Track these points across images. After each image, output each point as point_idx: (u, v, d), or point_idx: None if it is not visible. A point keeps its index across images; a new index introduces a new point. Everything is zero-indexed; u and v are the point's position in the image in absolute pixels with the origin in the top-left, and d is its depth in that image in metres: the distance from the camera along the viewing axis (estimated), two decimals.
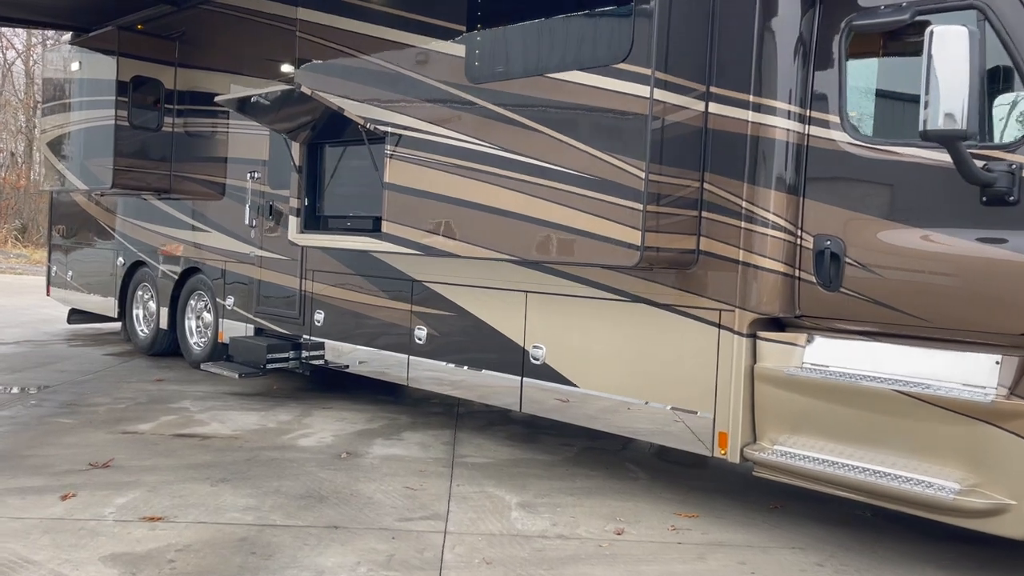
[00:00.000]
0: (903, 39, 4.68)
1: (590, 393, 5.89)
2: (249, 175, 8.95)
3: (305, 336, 8.24)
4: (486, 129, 5.90)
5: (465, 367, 6.75)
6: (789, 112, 4.98)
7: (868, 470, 4.61)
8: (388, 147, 6.62)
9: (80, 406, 7.78)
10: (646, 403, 5.56)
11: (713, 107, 5.21)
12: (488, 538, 4.83)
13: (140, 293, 11.01)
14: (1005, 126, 4.45)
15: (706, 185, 5.25)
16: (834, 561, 4.71)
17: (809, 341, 4.99)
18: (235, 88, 8.89)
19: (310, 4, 7.40)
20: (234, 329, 9.16)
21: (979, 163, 4.24)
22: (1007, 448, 4.20)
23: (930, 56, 4.06)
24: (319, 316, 8.09)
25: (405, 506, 5.32)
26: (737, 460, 5.10)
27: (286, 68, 8.29)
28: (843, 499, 4.85)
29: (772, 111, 5.01)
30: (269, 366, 8.17)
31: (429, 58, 6.36)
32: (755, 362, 5.10)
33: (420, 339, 7.09)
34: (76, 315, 12.36)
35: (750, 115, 5.07)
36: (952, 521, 4.39)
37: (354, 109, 6.79)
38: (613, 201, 5.13)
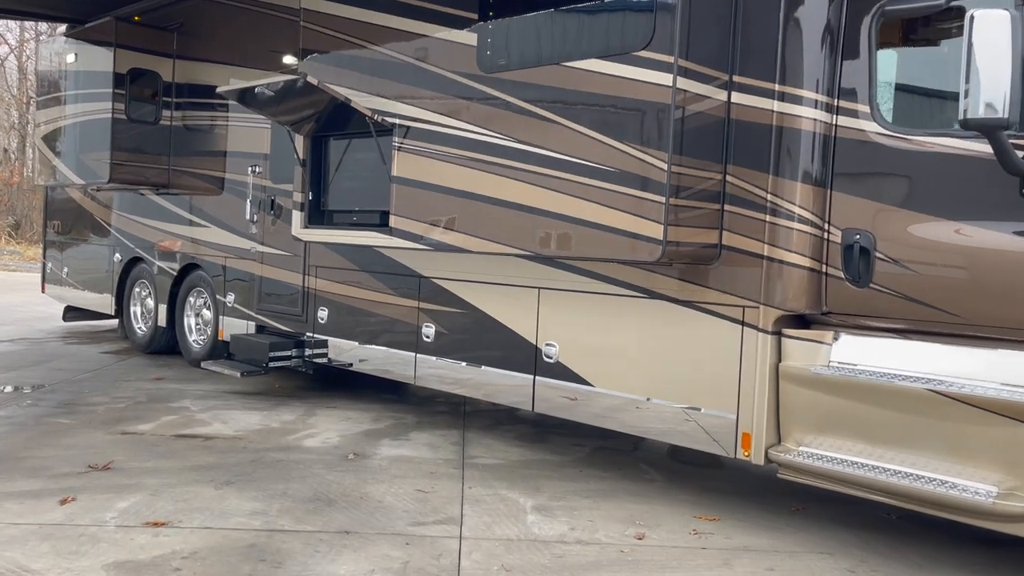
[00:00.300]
0: (938, 24, 4.50)
1: (605, 392, 5.71)
2: (250, 169, 8.75)
3: (308, 334, 8.05)
4: (499, 120, 5.72)
5: (474, 365, 6.57)
6: (816, 101, 4.81)
7: (900, 472, 4.45)
8: (396, 139, 6.43)
9: (78, 406, 7.58)
10: (664, 403, 5.38)
11: (736, 96, 5.03)
12: (506, 543, 4.66)
13: (137, 290, 10.81)
14: None
15: (729, 177, 5.07)
16: (865, 567, 4.55)
17: (835, 339, 4.82)
18: (235, 80, 8.68)
19: None
20: (235, 327, 8.97)
21: (1020, 153, 4.06)
22: None
23: (970, 42, 3.89)
24: (323, 313, 7.90)
25: (417, 510, 5.14)
26: (761, 462, 4.92)
27: (288, 59, 8.09)
28: (866, 501, 4.68)
29: (798, 100, 4.83)
30: (272, 364, 7.98)
31: (439, 47, 6.17)
32: (780, 360, 4.93)
33: (428, 337, 6.90)
34: (72, 312, 12.15)
35: (775, 104, 4.89)
36: (990, 525, 4.23)
37: (361, 100, 6.60)
38: (633, 194, 4.96)
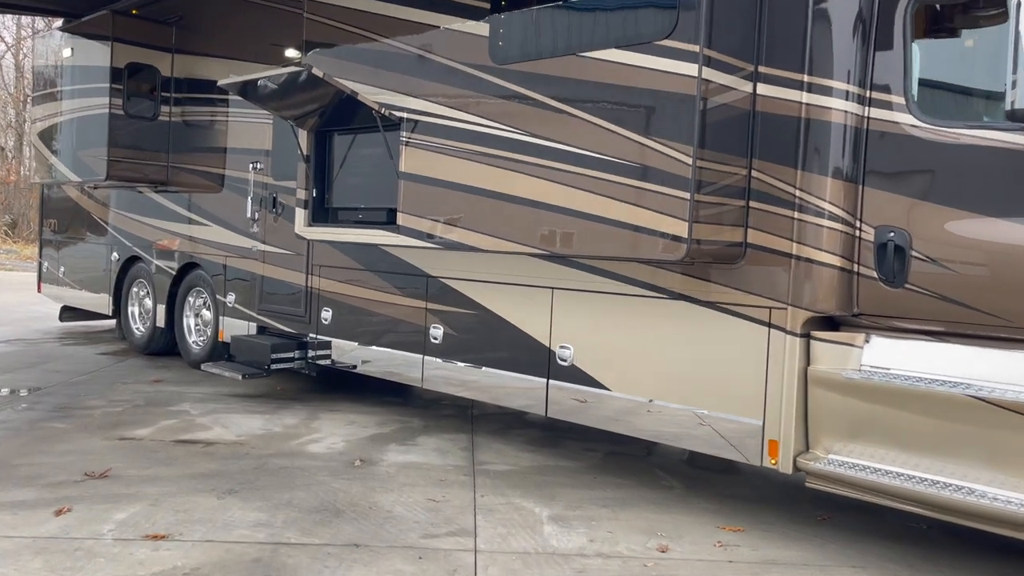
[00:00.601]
0: (980, 11, 4.27)
1: (622, 397, 5.49)
2: (251, 166, 8.52)
3: (311, 335, 7.82)
4: (512, 113, 5.49)
5: (484, 368, 6.35)
6: (847, 92, 4.58)
7: (939, 483, 4.23)
8: (404, 134, 6.20)
9: (74, 409, 7.35)
10: (685, 408, 5.16)
11: (762, 88, 4.81)
12: (523, 557, 4.43)
13: (135, 290, 10.57)
14: None
15: (754, 173, 4.85)
16: None
17: (866, 341, 4.60)
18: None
19: None
20: (235, 327, 8.74)
21: None
22: None
23: (1018, 30, 3.68)
24: (326, 314, 7.67)
25: (429, 520, 4.92)
26: (789, 471, 4.71)
27: (291, 53, 7.87)
28: (891, 509, 4.46)
29: (828, 91, 4.61)
30: (274, 366, 7.75)
31: (450, 38, 5.93)
32: (808, 364, 4.71)
33: (436, 338, 6.68)
34: (68, 312, 11.92)
35: (804, 96, 4.67)
36: None
37: (368, 93, 6.37)
38: (656, 189, 4.74)
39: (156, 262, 9.96)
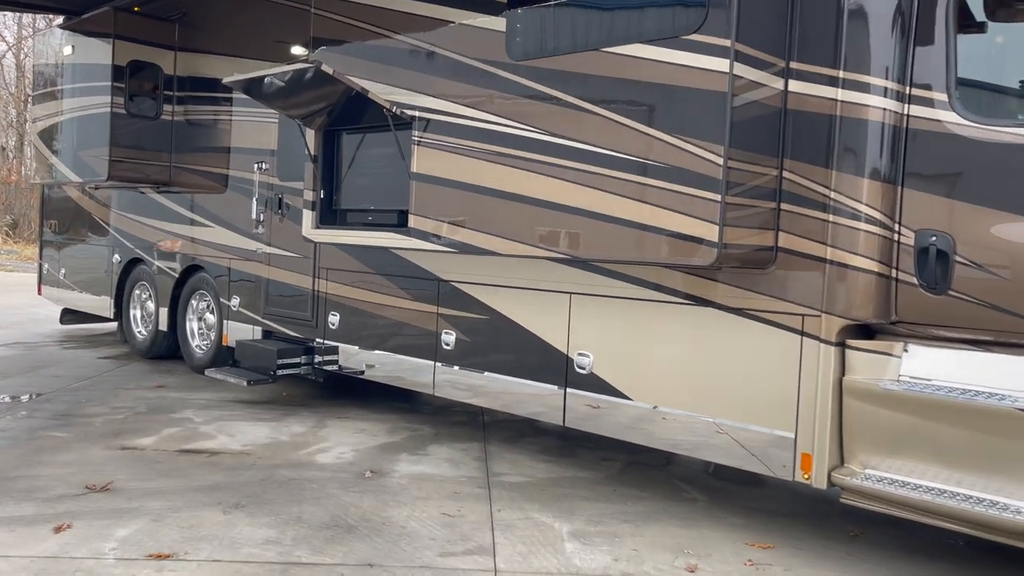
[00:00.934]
0: None
1: (644, 407, 5.27)
2: (256, 166, 8.30)
3: (318, 339, 7.61)
4: (529, 112, 5.27)
5: (498, 375, 6.13)
6: (885, 89, 4.36)
7: (985, 501, 4.01)
8: (416, 133, 5.98)
9: (75, 417, 7.13)
10: (711, 420, 4.95)
11: (794, 84, 4.59)
12: None
13: (137, 292, 10.36)
14: None
15: (785, 173, 4.63)
16: None
17: (905, 350, 4.38)
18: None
19: None
20: (240, 331, 8.52)
21: None
22: None
23: None
24: (334, 318, 7.46)
25: (445, 537, 4.70)
26: (824, 486, 4.48)
27: (297, 50, 7.65)
28: (926, 525, 4.24)
29: (865, 88, 4.39)
30: (280, 372, 7.54)
31: (465, 34, 5.72)
32: (843, 374, 4.49)
33: (447, 344, 6.46)
34: (69, 315, 11.71)
35: (839, 93, 4.45)
36: None
37: (379, 91, 6.15)
38: (683, 191, 4.52)
39: (158, 264, 9.75)
